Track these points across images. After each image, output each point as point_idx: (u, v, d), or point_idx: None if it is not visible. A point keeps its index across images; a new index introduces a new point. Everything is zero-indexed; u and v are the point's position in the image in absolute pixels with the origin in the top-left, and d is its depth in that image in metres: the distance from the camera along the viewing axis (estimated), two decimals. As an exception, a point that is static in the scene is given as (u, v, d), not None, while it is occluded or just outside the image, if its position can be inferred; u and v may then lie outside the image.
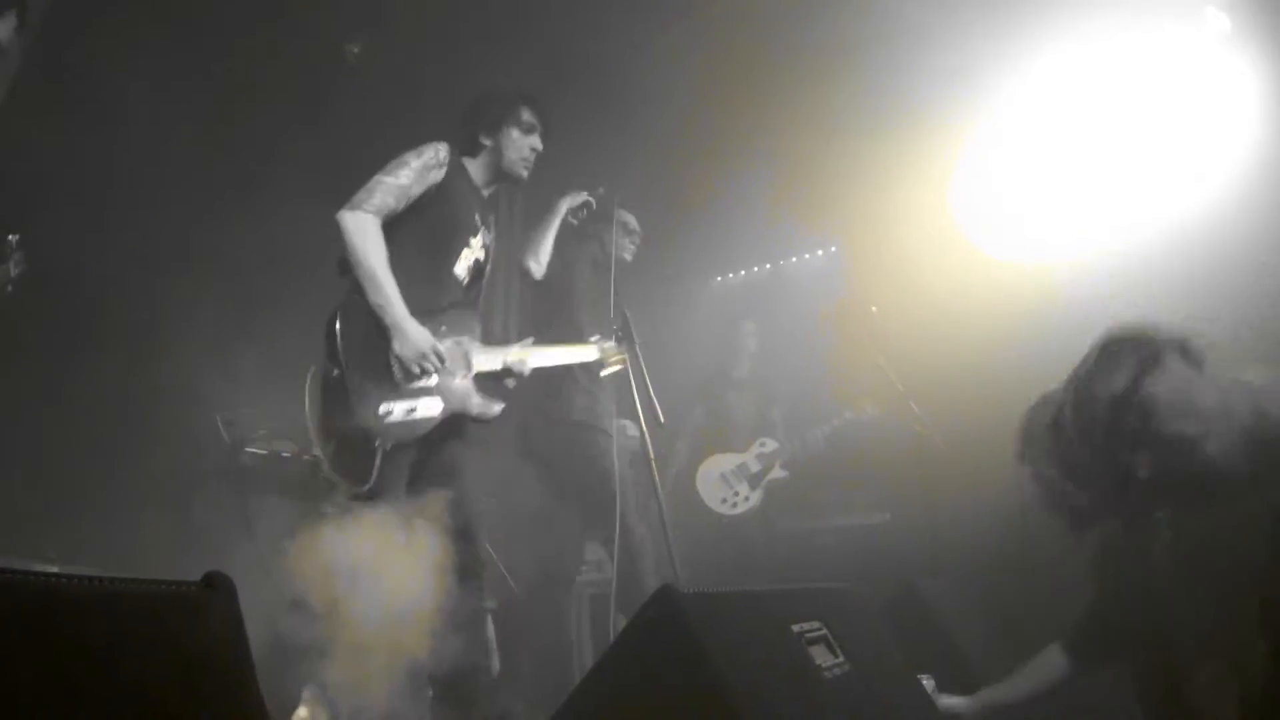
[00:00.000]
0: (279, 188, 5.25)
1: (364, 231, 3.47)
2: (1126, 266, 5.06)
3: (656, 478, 4.15)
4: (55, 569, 4.16)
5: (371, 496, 3.31)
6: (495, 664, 4.90)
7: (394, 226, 3.60)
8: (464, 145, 3.98)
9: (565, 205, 4.83)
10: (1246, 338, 4.08)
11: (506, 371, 3.86)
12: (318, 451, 3.36)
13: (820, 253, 7.43)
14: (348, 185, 3.62)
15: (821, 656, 2.53)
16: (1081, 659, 3.31)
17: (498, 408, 3.79)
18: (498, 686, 3.94)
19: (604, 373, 4.45)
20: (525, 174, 4.06)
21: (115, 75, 4.61)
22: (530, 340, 4.08)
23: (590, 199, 4.80)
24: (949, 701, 3.37)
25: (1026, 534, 5.07)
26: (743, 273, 7.76)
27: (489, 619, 4.99)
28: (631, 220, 5.14)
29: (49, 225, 4.11)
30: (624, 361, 4.42)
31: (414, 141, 3.76)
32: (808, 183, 6.13)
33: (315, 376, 3.39)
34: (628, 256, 5.08)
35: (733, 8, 5.31)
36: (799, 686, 2.36)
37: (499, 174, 4.04)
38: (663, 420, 4.11)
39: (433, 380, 3.53)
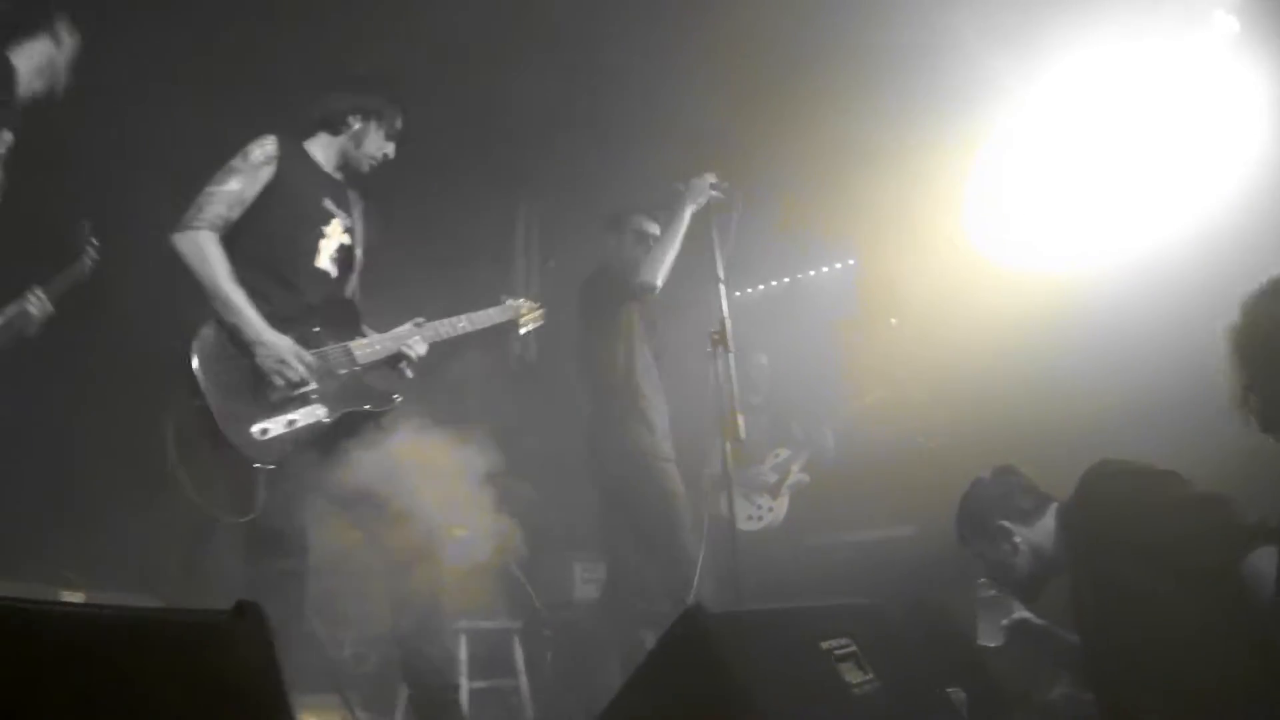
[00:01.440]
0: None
1: (200, 250, 3.29)
2: (1140, 274, 5.04)
3: (732, 502, 4.14)
4: (80, 595, 4.20)
5: (264, 522, 3.21)
6: (523, 684, 4.90)
7: (238, 234, 3.43)
8: (321, 119, 3.79)
9: (689, 210, 4.75)
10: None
11: (398, 357, 3.68)
12: (191, 495, 3.16)
13: (839, 265, 7.42)
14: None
15: (851, 674, 2.52)
16: None
17: (396, 397, 3.60)
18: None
19: (521, 330, 4.34)
20: (367, 171, 3.83)
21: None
22: (420, 319, 3.78)
23: (716, 190, 4.67)
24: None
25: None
26: (761, 287, 7.76)
27: (515, 640, 5.00)
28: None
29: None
30: (540, 317, 4.39)
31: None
32: (824, 196, 6.12)
33: (174, 414, 3.21)
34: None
35: (747, 23, 5.31)
36: (829, 705, 2.36)
37: (347, 162, 3.81)
38: (743, 436, 3.98)
39: (310, 385, 3.34)
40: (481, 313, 4.02)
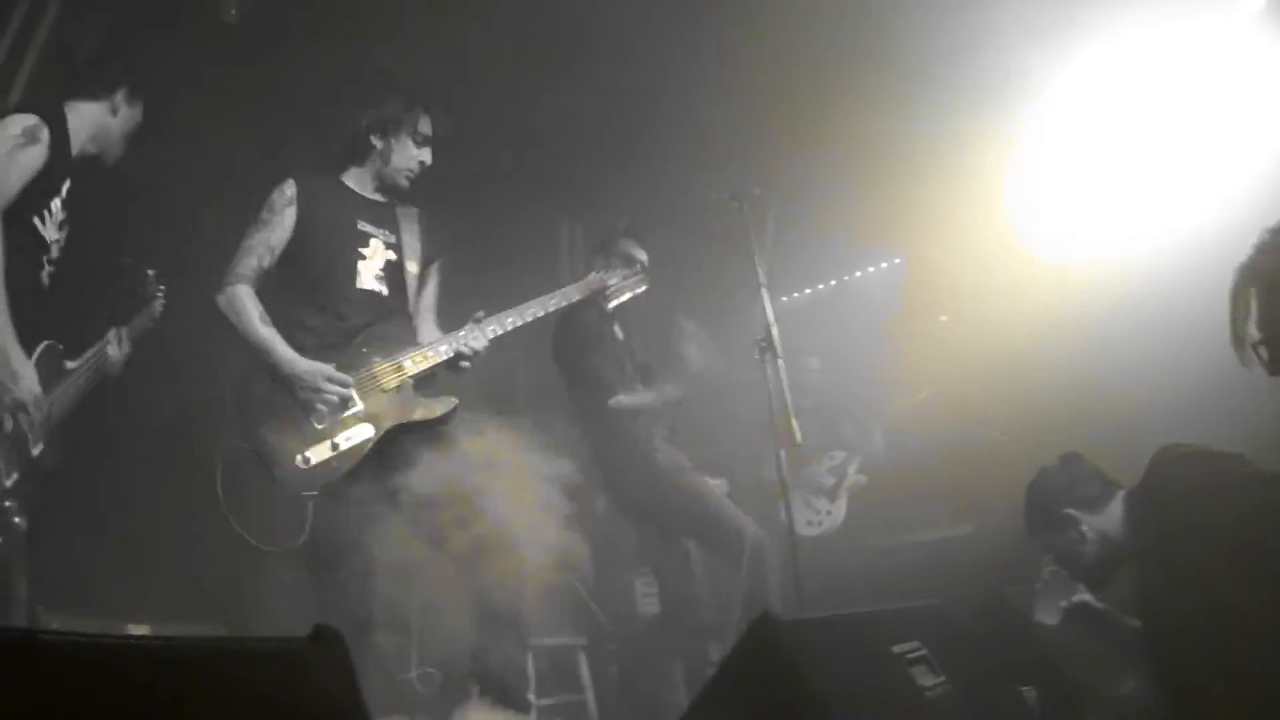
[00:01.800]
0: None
1: (234, 305, 3.47)
2: (1184, 255, 4.98)
3: (790, 507, 4.12)
4: (145, 628, 4.26)
5: (319, 544, 3.29)
6: (590, 700, 4.90)
7: (281, 274, 3.61)
8: (348, 150, 3.85)
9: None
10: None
11: (459, 356, 3.67)
12: (241, 530, 3.26)
13: (884, 265, 7.38)
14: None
15: (923, 677, 2.51)
16: None
17: (446, 405, 3.59)
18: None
19: (613, 303, 4.28)
20: (406, 185, 3.85)
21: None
22: (480, 314, 3.76)
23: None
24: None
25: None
26: (808, 291, 7.73)
27: (581, 656, 5.00)
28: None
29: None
30: (637, 284, 4.29)
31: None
32: (866, 196, 6.11)
33: (223, 465, 3.31)
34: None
35: (780, 26, 5.31)
36: (904, 710, 2.34)
37: (383, 181, 3.85)
38: (799, 440, 3.93)
39: (355, 406, 3.43)
40: (550, 295, 3.96)
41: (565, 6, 5.24)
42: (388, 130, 3.80)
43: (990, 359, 5.70)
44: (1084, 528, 3.28)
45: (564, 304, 4.01)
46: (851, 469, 6.11)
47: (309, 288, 3.61)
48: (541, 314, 3.89)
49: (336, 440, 3.37)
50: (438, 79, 5.24)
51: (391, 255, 3.77)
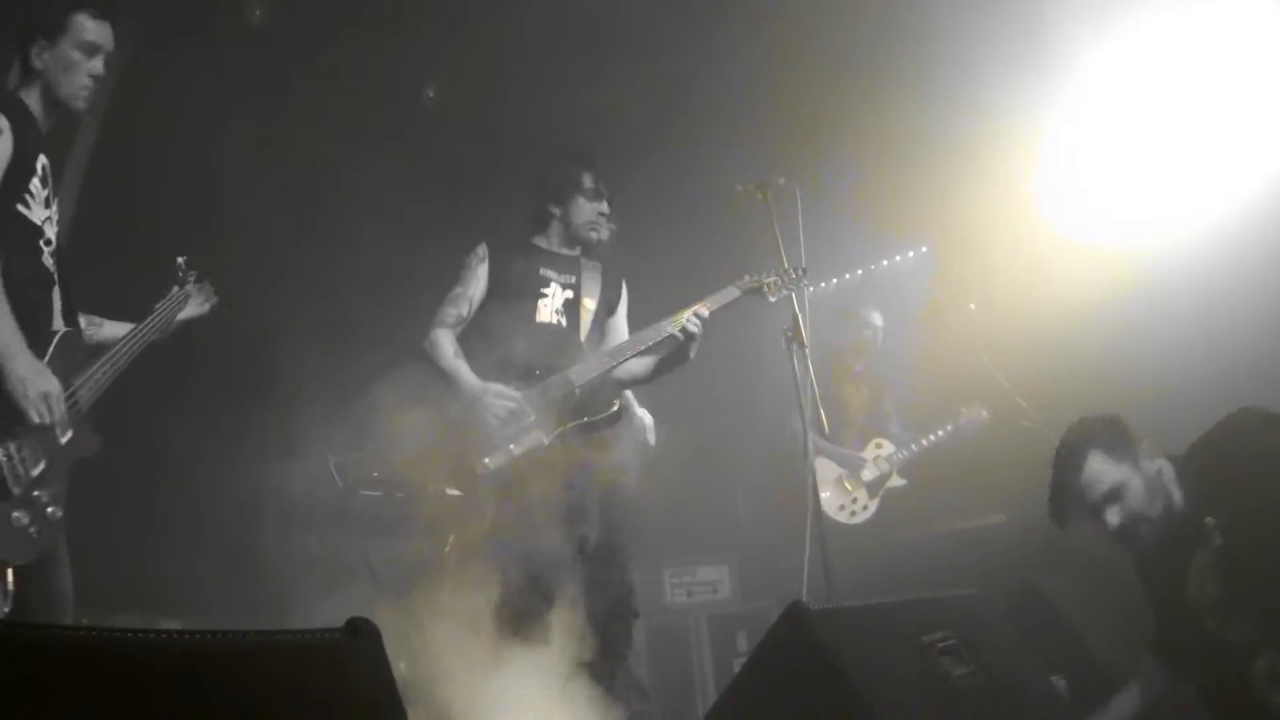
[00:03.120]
0: (370, 218, 5.38)
1: (435, 346, 4.14)
2: (1218, 238, 4.96)
3: (815, 495, 4.09)
4: (178, 624, 4.30)
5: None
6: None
7: (478, 320, 4.25)
8: (533, 223, 4.44)
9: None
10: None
11: (610, 374, 4.17)
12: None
13: (910, 254, 7.35)
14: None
15: (953, 666, 2.51)
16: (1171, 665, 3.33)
17: (614, 405, 4.18)
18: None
19: (772, 298, 4.24)
20: (594, 237, 4.39)
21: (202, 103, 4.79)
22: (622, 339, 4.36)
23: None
24: None
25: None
26: (834, 281, 7.71)
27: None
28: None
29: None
30: (794, 281, 4.26)
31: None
32: (894, 185, 6.08)
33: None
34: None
35: (807, 18, 5.31)
36: (933, 698, 2.35)
37: (574, 238, 4.40)
38: (827, 430, 4.28)
39: (528, 418, 3.96)
40: (712, 297, 4.19)
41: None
42: (560, 198, 4.39)
43: (1020, 345, 5.68)
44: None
45: (720, 304, 4.25)
46: (895, 471, 6.02)
47: (504, 321, 4.16)
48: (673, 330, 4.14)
49: (513, 445, 3.93)
50: (470, 82, 5.34)
51: (569, 295, 4.35)
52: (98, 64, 3.27)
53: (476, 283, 4.28)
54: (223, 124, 4.86)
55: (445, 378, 4.07)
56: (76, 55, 3.22)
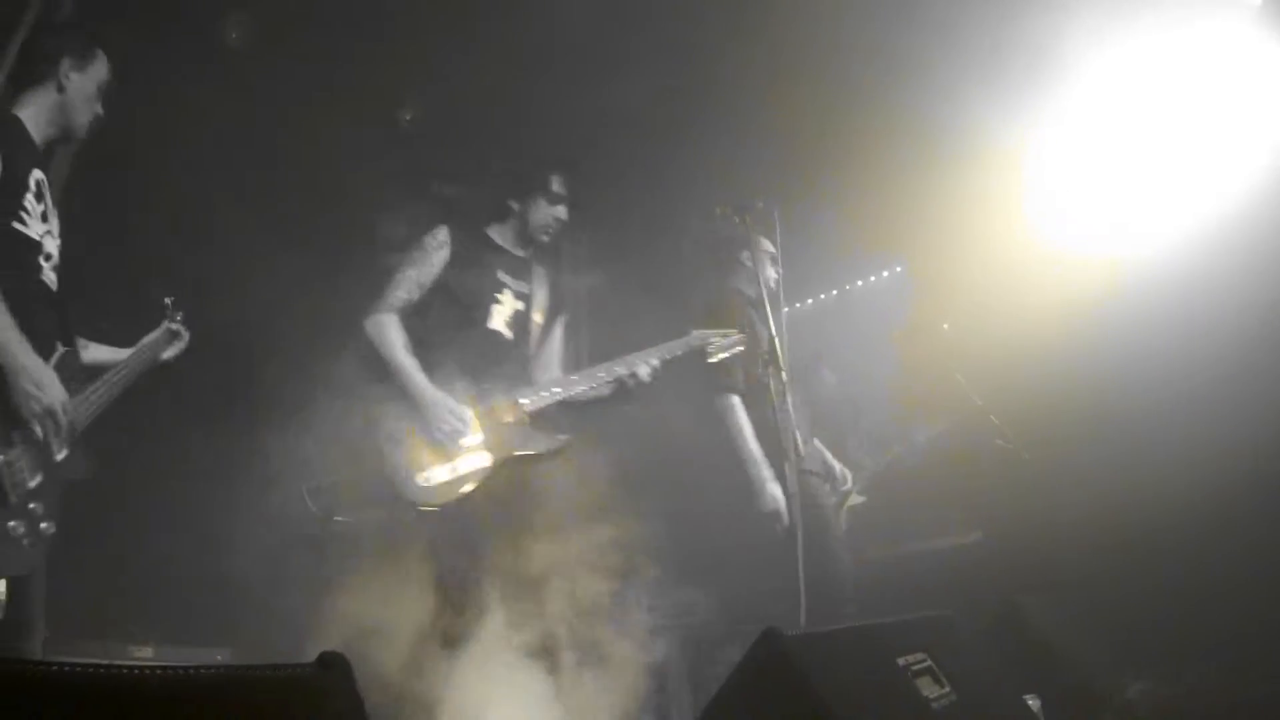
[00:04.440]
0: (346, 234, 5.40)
1: (380, 331, 3.92)
2: (1190, 257, 5.01)
3: (798, 519, 4.17)
4: (149, 651, 4.28)
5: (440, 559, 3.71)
6: None
7: (427, 306, 4.03)
8: (492, 210, 4.31)
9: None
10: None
11: (560, 404, 4.06)
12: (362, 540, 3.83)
13: (885, 274, 7.40)
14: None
15: (928, 688, 2.53)
16: None
17: (556, 441, 3.99)
18: None
19: (713, 359, 4.38)
20: (546, 240, 4.28)
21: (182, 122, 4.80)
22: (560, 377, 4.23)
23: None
24: None
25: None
26: (810, 301, 7.75)
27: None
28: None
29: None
30: (741, 341, 4.41)
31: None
32: (872, 204, 6.12)
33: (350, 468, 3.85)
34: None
35: (788, 36, 5.34)
36: (909, 720, 2.36)
37: (527, 238, 4.29)
38: (802, 453, 4.25)
39: (476, 438, 3.84)
40: (658, 348, 4.24)
41: (566, 19, 5.30)
42: (523, 194, 4.27)
43: (995, 364, 5.71)
44: None
45: (671, 356, 4.27)
46: (855, 490, 6.05)
47: (447, 323, 4.01)
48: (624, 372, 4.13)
49: (456, 464, 3.78)
50: (448, 92, 5.34)
51: (520, 305, 4.21)
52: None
53: (430, 269, 4.08)
54: (199, 141, 4.87)
55: (391, 371, 3.88)
56: (94, 90, 3.32)
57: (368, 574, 3.76)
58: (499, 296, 4.16)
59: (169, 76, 4.78)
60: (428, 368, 3.88)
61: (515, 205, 4.28)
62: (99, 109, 3.35)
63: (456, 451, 3.80)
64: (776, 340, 4.18)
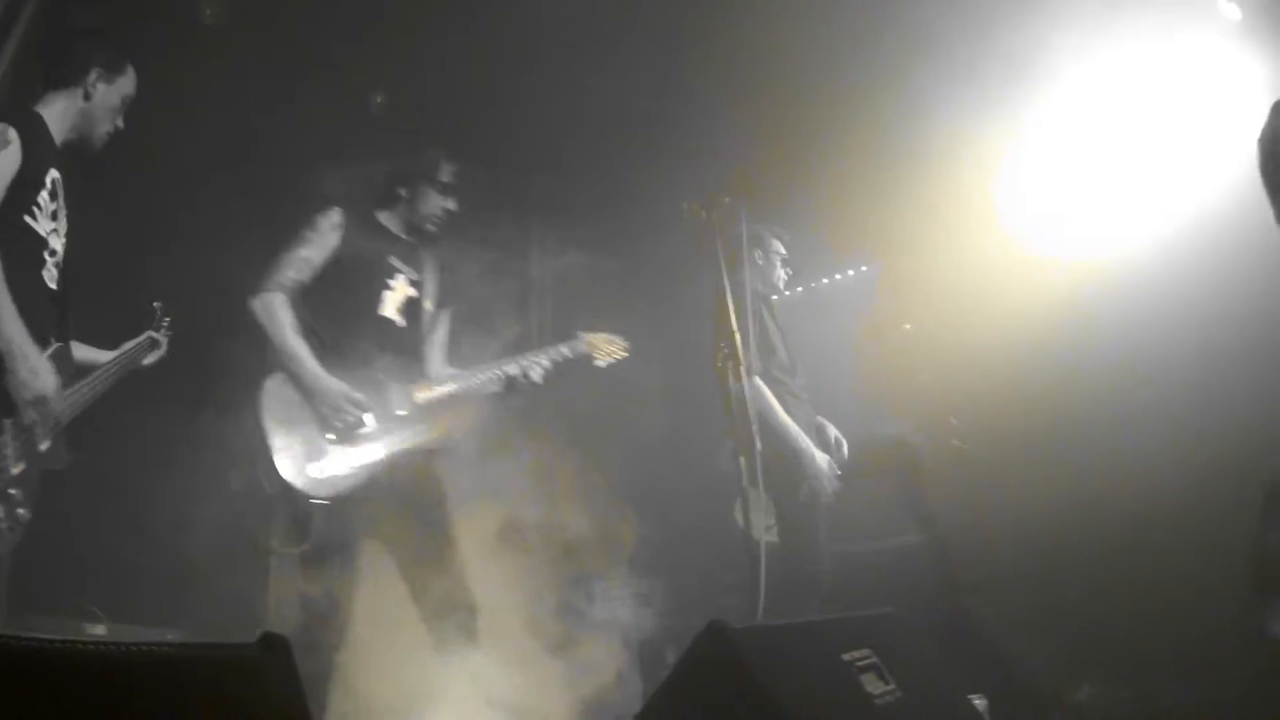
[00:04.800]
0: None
1: (269, 311, 3.74)
2: (1154, 261, 5.07)
3: (750, 515, 4.12)
4: (102, 627, 4.27)
5: (317, 552, 3.62)
6: None
7: (316, 289, 3.87)
8: (378, 196, 4.17)
9: None
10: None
11: (452, 397, 4.00)
12: (254, 531, 3.75)
13: (851, 272, 7.43)
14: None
15: (873, 684, 2.55)
16: None
17: (452, 433, 3.97)
18: None
19: (598, 363, 4.45)
20: (433, 230, 4.16)
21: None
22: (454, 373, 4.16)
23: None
24: None
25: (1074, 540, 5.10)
26: (775, 298, 7.74)
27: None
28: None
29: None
30: (623, 350, 4.51)
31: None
32: (844, 202, 6.14)
33: (242, 454, 3.62)
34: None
35: (761, 32, 5.34)
36: (853, 716, 2.38)
37: (412, 226, 4.16)
38: (759, 447, 4.10)
39: (369, 427, 3.72)
40: (542, 351, 4.26)
41: (537, 8, 5.28)
42: (412, 181, 4.15)
43: (958, 368, 5.76)
44: None
45: (560, 359, 4.29)
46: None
47: (337, 308, 3.87)
48: (516, 372, 4.14)
49: (348, 455, 3.65)
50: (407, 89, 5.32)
51: (413, 292, 4.09)
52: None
53: (323, 250, 3.91)
54: (171, 130, 4.81)
55: (281, 355, 3.71)
56: (118, 102, 3.41)
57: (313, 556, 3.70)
58: (391, 283, 4.03)
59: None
60: (318, 353, 3.76)
61: (404, 192, 4.16)
62: (120, 122, 3.43)
63: (352, 442, 3.69)
64: (736, 336, 4.19)
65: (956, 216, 5.97)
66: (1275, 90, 4.65)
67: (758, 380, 4.63)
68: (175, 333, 4.01)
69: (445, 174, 4.16)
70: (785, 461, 4.67)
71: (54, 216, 3.20)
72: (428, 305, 4.15)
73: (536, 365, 4.11)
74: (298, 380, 3.66)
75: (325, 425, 3.64)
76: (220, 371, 4.17)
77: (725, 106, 5.82)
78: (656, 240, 6.12)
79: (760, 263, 5.17)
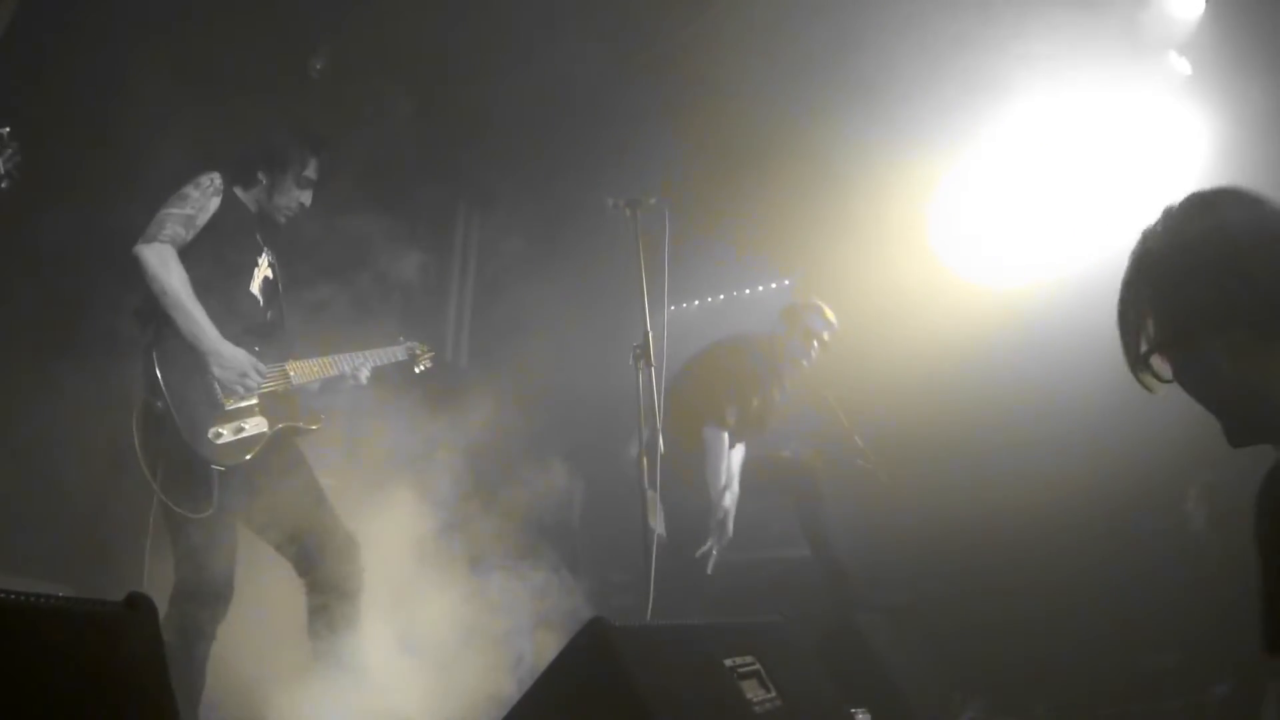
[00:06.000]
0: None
1: (165, 262, 3.48)
2: (1071, 298, 5.15)
3: (651, 513, 4.14)
4: (-9, 581, 4.09)
5: (211, 518, 3.47)
6: None
7: (188, 253, 3.60)
8: (238, 173, 3.92)
9: None
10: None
11: (336, 380, 4.05)
12: (157, 490, 3.39)
13: (774, 285, 7.47)
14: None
15: (753, 691, 2.55)
16: None
17: (324, 416, 3.95)
18: None
19: (417, 369, 4.50)
20: (283, 221, 4.01)
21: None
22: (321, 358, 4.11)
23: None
24: None
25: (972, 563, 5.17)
26: (696, 303, 7.80)
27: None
28: None
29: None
30: (432, 358, 4.57)
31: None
32: (770, 214, 6.18)
33: (140, 409, 3.43)
34: None
35: (703, 46, 5.37)
36: (727, 721, 2.37)
37: (263, 211, 3.97)
38: (663, 451, 4.13)
39: (255, 399, 3.65)
40: (385, 349, 4.31)
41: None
42: (275, 168, 3.94)
43: (867, 389, 5.82)
44: None
45: (389, 361, 4.33)
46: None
47: (212, 277, 3.65)
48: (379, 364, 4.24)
49: (242, 424, 3.58)
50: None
51: (270, 274, 3.97)
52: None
53: (203, 213, 3.66)
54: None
55: (176, 313, 3.47)
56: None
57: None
58: (257, 260, 3.90)
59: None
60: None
61: (263, 178, 3.94)
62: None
63: (241, 412, 3.60)
64: (650, 334, 4.19)
65: (880, 241, 6.04)
66: (1215, 143, 4.83)
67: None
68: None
69: (311, 169, 4.00)
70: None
71: None
72: (280, 289, 4.05)
73: (367, 368, 4.12)
74: (195, 340, 3.48)
75: (227, 392, 3.55)
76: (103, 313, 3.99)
77: (659, 111, 5.82)
78: (583, 231, 6.13)
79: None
